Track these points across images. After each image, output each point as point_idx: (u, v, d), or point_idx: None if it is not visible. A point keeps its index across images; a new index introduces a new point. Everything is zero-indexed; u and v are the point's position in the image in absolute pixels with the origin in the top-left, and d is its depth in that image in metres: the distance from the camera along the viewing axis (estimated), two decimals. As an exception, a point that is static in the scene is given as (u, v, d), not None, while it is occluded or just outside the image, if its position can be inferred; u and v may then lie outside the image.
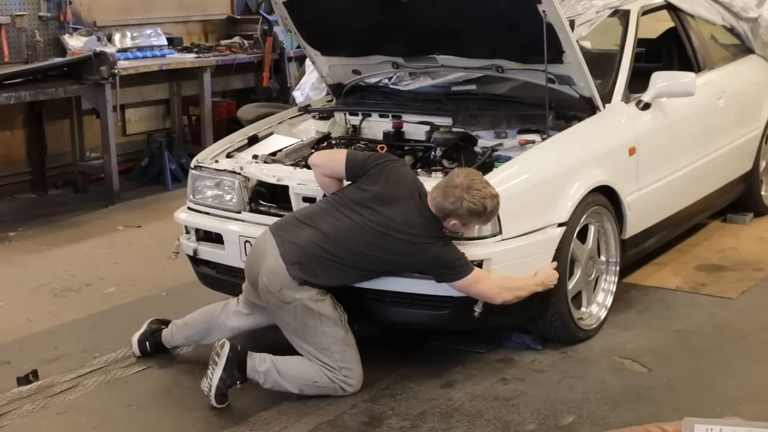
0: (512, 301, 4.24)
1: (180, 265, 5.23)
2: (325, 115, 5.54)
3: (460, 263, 4.12)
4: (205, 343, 4.60)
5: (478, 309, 4.23)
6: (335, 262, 4.17)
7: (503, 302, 4.20)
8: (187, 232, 4.98)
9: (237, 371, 4.17)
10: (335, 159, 4.41)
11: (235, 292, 4.64)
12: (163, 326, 4.80)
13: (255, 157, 4.99)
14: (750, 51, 6.52)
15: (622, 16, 5.51)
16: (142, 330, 4.80)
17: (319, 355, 4.20)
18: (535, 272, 4.37)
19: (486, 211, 4.12)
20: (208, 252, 4.88)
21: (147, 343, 4.76)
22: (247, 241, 4.60)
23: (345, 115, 5.51)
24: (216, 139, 7.35)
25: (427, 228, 4.14)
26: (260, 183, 4.80)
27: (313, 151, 5.18)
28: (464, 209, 4.08)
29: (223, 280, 4.86)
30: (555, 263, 4.44)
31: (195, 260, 4.98)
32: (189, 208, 5.02)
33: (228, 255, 4.74)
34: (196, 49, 8.98)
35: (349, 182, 4.33)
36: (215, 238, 4.87)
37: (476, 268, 4.14)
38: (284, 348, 4.31)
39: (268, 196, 4.82)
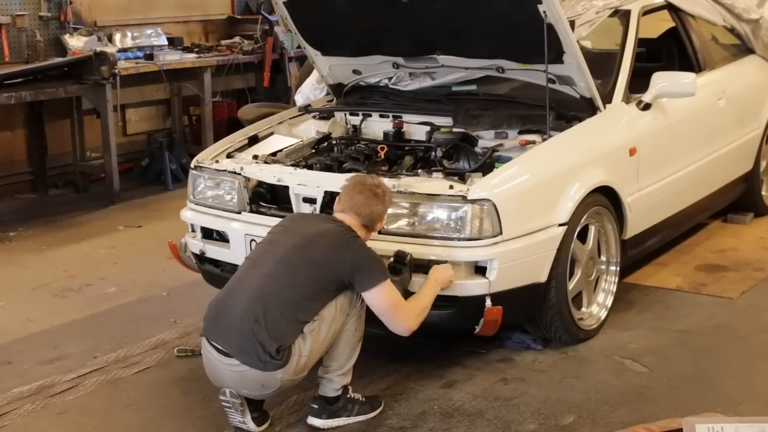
0: (416, 326, 4.03)
1: (180, 265, 5.22)
2: (325, 115, 5.54)
3: (378, 263, 3.95)
4: None
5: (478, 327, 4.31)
6: (273, 318, 3.85)
7: (410, 330, 4.00)
8: (193, 231, 4.98)
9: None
10: None
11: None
12: None
13: (255, 157, 4.99)
14: (750, 51, 6.52)
15: (623, 16, 5.51)
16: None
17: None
18: (429, 274, 4.16)
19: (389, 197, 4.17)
20: (215, 251, 4.88)
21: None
22: (252, 240, 4.61)
23: (345, 115, 5.51)
24: (216, 139, 7.36)
25: (347, 231, 4.00)
26: (260, 183, 4.80)
27: (313, 151, 5.19)
28: (388, 199, 4.13)
29: (229, 278, 4.84)
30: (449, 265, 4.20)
31: (200, 258, 4.99)
32: (190, 209, 5.02)
33: (234, 253, 4.74)
34: (196, 49, 8.98)
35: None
36: (217, 237, 4.88)
37: (390, 282, 3.93)
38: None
39: (268, 197, 4.82)
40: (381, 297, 3.92)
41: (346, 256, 3.90)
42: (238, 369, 3.85)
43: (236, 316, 3.88)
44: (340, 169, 4.81)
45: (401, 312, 3.97)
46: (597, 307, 4.93)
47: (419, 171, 4.66)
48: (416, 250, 4.24)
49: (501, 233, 4.29)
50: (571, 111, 4.93)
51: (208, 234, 4.95)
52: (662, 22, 6.32)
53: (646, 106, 5.23)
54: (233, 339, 3.86)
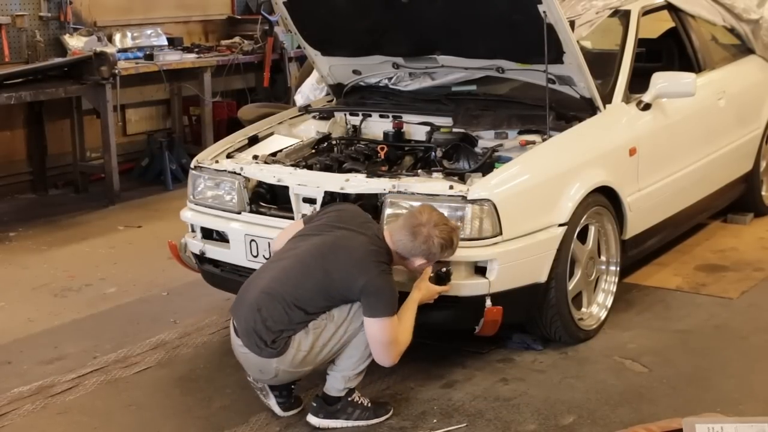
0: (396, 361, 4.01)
1: (180, 265, 5.22)
2: (325, 115, 5.54)
3: (388, 297, 3.88)
4: None
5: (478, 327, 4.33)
6: (276, 307, 3.91)
7: (390, 365, 4.00)
8: (193, 231, 4.98)
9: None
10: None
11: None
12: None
13: (255, 157, 4.99)
14: (750, 51, 6.52)
15: (623, 16, 5.51)
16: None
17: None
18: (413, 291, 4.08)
19: (453, 245, 4.04)
20: (215, 251, 4.88)
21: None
22: (252, 240, 4.61)
23: (345, 115, 5.51)
24: (216, 139, 7.35)
25: (375, 254, 3.95)
26: (260, 183, 4.80)
27: (313, 151, 5.19)
28: (436, 246, 3.97)
29: (229, 279, 4.85)
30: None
31: (200, 258, 4.99)
32: (190, 209, 5.02)
33: (234, 254, 4.74)
34: (196, 49, 8.97)
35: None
36: (217, 237, 4.88)
37: (395, 319, 3.90)
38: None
39: (268, 197, 4.82)
40: (378, 331, 3.87)
41: (361, 280, 3.87)
42: (243, 350, 4.00)
43: (248, 300, 3.99)
44: (340, 170, 4.81)
45: (391, 350, 3.93)
46: (597, 307, 4.93)
47: (419, 171, 4.65)
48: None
49: (501, 233, 4.29)
50: (571, 111, 4.93)
51: (208, 234, 4.95)
52: (662, 22, 6.33)
53: (646, 106, 5.23)
54: (241, 321, 3.98)
